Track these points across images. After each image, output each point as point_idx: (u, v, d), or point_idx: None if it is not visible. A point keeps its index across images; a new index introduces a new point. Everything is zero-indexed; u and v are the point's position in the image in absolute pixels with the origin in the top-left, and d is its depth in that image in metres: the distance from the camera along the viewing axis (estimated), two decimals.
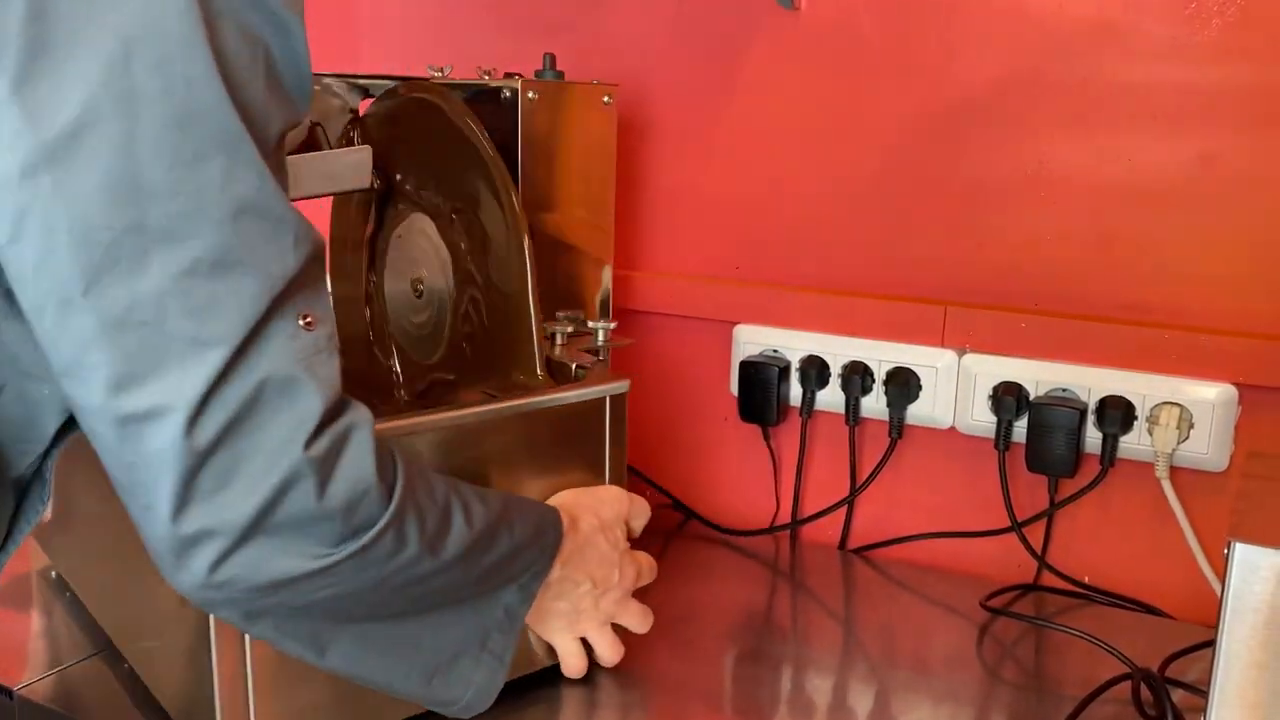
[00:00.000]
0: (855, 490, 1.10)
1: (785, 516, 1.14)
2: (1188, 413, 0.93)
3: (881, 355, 1.05)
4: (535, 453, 0.80)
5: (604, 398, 0.81)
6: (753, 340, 1.11)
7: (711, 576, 1.05)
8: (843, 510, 1.11)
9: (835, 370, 1.07)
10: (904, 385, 1.03)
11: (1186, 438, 0.93)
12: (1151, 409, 0.94)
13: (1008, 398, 0.98)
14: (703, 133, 1.13)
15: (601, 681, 0.85)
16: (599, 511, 0.79)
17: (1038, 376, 0.98)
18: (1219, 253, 0.93)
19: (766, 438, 1.13)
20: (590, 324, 0.90)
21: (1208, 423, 0.93)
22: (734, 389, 1.12)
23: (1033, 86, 0.97)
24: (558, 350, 0.87)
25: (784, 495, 1.15)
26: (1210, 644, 0.62)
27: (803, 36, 1.07)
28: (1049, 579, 1.02)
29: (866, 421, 1.09)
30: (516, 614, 0.71)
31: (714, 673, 0.87)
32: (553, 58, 0.95)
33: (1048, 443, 0.96)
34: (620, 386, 0.82)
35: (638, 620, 0.83)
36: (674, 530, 1.14)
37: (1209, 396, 0.92)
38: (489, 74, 0.92)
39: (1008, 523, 1.02)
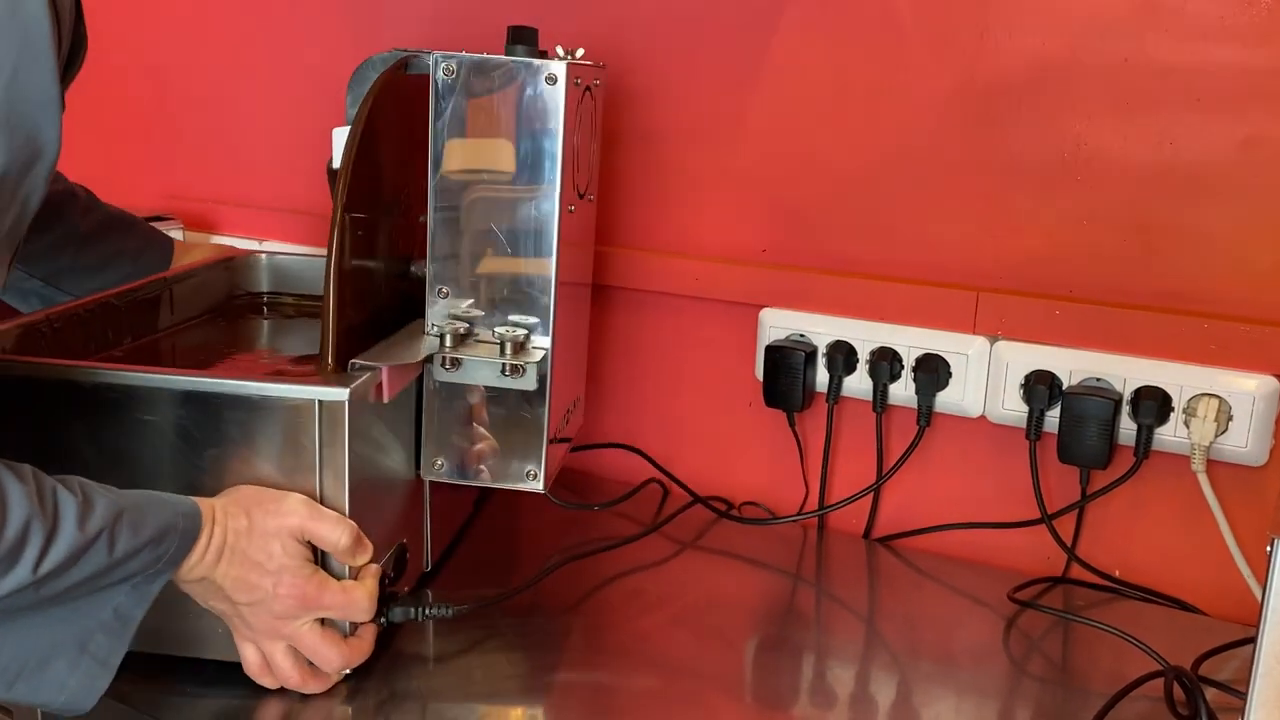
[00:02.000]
0: (881, 478, 1.08)
1: (811, 504, 1.13)
2: (1226, 404, 0.91)
3: (911, 341, 1.03)
4: (228, 442, 0.75)
5: (313, 401, 0.73)
6: (779, 324, 1.09)
7: (734, 564, 1.03)
8: (868, 499, 1.10)
9: (863, 356, 1.05)
10: (933, 372, 1.02)
11: (1225, 430, 0.91)
12: (1189, 400, 0.92)
13: (1040, 386, 0.96)
14: (731, 112, 1.11)
15: (619, 667, 0.84)
16: (256, 516, 0.72)
17: (1071, 365, 0.96)
18: (1262, 240, 0.90)
19: (792, 424, 1.11)
20: (499, 329, 0.86)
21: (1247, 415, 0.90)
22: (759, 374, 1.10)
23: (1071, 66, 0.95)
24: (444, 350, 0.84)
25: (809, 483, 1.13)
26: (1247, 642, 0.60)
27: (834, 12, 1.04)
28: (1079, 572, 1.00)
29: (894, 409, 1.07)
30: (129, 616, 0.68)
31: (735, 660, 0.86)
32: (521, 31, 0.86)
33: (1080, 433, 0.94)
34: (332, 394, 0.73)
35: (316, 651, 0.75)
36: (668, 508, 1.13)
37: (1249, 388, 0.90)
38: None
39: (1037, 514, 1.00)
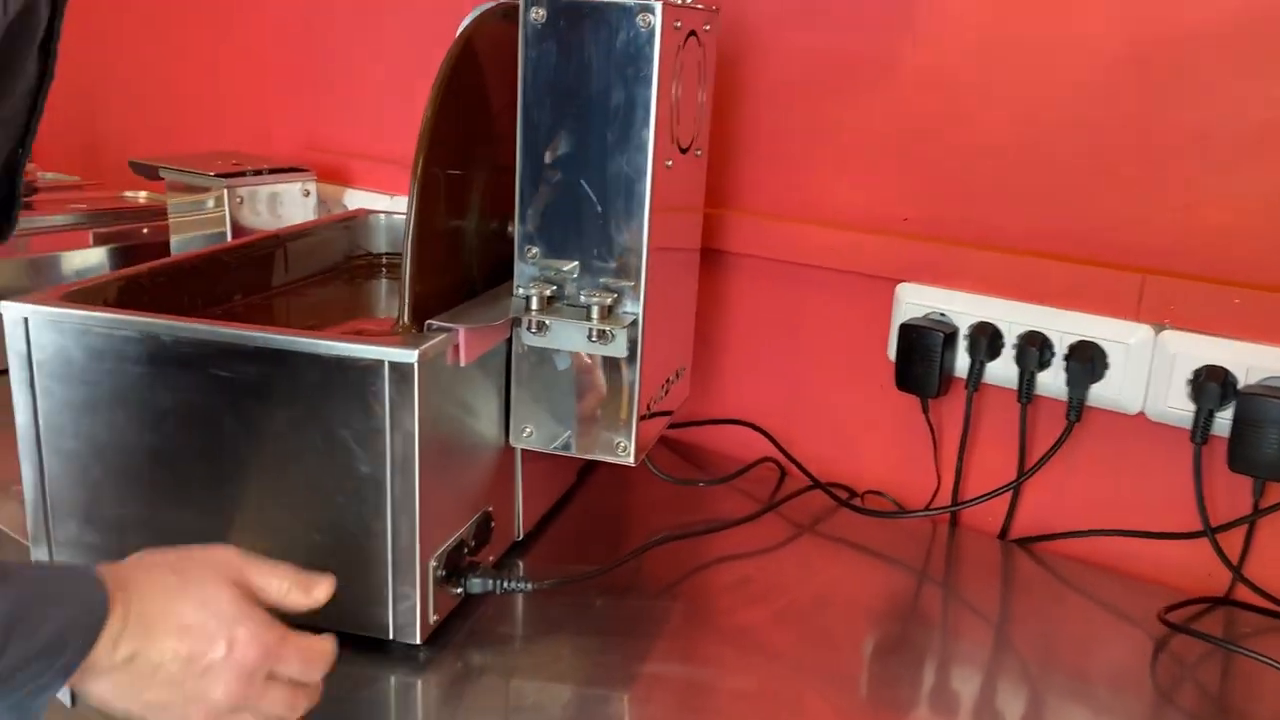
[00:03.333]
0: (1023, 475, 0.99)
1: (942, 498, 1.04)
2: None
3: (1064, 326, 0.93)
4: (301, 401, 0.72)
5: (382, 362, 0.70)
6: (917, 301, 1.00)
7: (854, 556, 0.97)
8: (1007, 496, 1.00)
9: (1009, 340, 0.96)
10: (1088, 362, 0.91)
11: None
12: None
13: (1211, 384, 0.85)
14: (871, 65, 1.02)
15: (717, 662, 0.79)
16: (190, 570, 0.60)
17: (1250, 362, 0.85)
18: None
19: (925, 410, 1.03)
20: (586, 292, 0.80)
21: None
22: (891, 354, 1.02)
23: (1273, 20, 0.83)
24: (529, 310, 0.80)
25: (942, 475, 1.05)
26: None
27: None
28: (1244, 594, 0.89)
29: (1041, 400, 0.97)
30: None
31: (847, 663, 0.80)
32: None
33: (1257, 439, 0.83)
34: (402, 355, 0.70)
35: (278, 710, 0.61)
36: (784, 490, 1.06)
37: None
38: None
39: (1199, 526, 0.89)
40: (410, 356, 0.71)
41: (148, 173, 1.40)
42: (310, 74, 1.55)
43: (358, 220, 1.18)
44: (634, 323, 0.81)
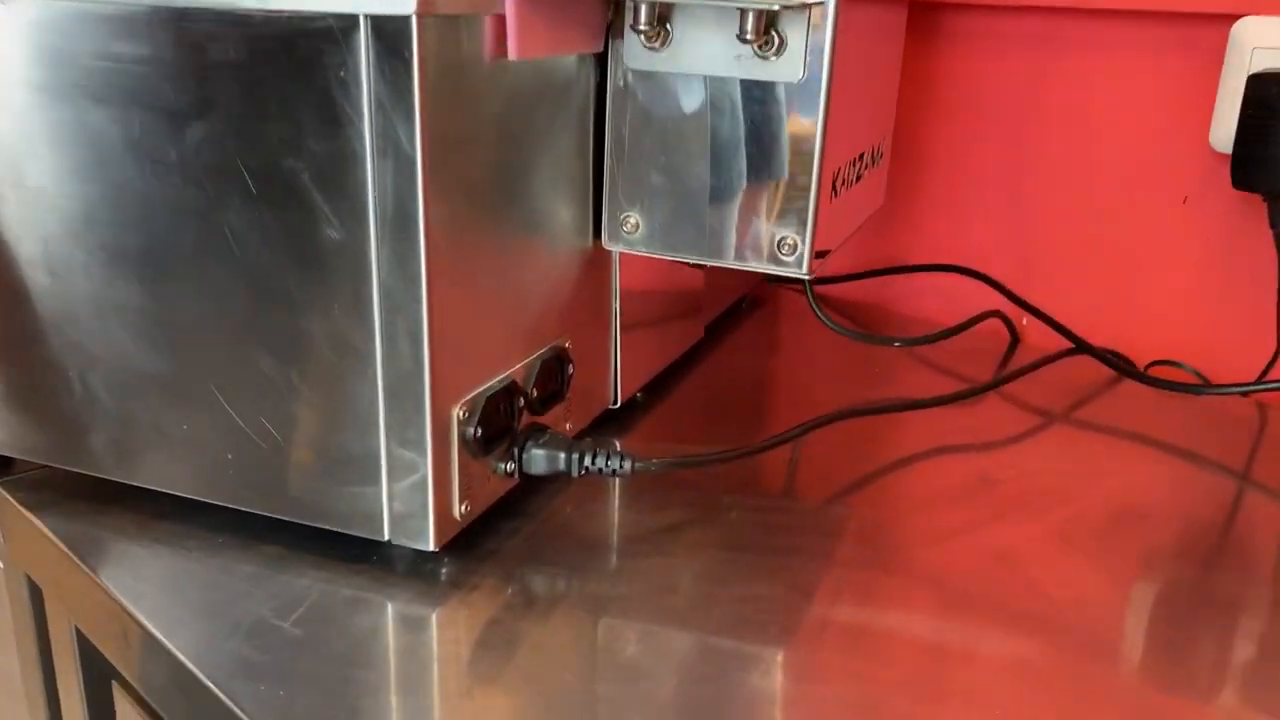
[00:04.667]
0: None
1: None
2: None
3: None
4: (217, 108, 0.43)
5: (355, 18, 0.40)
6: (1273, 43, 0.66)
7: (1146, 457, 0.64)
8: None
9: None
10: None
11: None
12: None
13: None
14: None
15: (926, 609, 0.48)
16: None
17: None
18: None
19: (1275, 224, 0.68)
20: None
21: None
22: (1219, 138, 0.69)
23: None
24: None
25: None
26: None
27: None
28: None
29: None
30: None
31: (1121, 606, 0.48)
32: None
33: None
34: (386, 3, 0.39)
35: None
36: (1019, 359, 0.74)
37: None
38: None
39: None
40: (404, 5, 0.39)
41: None
42: None
43: None
44: (819, 11, 0.47)
